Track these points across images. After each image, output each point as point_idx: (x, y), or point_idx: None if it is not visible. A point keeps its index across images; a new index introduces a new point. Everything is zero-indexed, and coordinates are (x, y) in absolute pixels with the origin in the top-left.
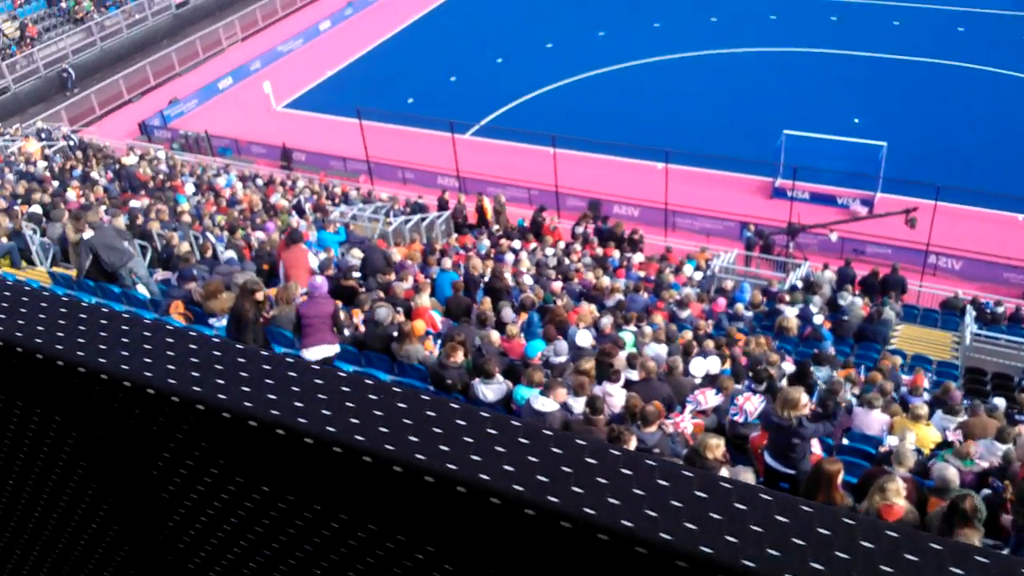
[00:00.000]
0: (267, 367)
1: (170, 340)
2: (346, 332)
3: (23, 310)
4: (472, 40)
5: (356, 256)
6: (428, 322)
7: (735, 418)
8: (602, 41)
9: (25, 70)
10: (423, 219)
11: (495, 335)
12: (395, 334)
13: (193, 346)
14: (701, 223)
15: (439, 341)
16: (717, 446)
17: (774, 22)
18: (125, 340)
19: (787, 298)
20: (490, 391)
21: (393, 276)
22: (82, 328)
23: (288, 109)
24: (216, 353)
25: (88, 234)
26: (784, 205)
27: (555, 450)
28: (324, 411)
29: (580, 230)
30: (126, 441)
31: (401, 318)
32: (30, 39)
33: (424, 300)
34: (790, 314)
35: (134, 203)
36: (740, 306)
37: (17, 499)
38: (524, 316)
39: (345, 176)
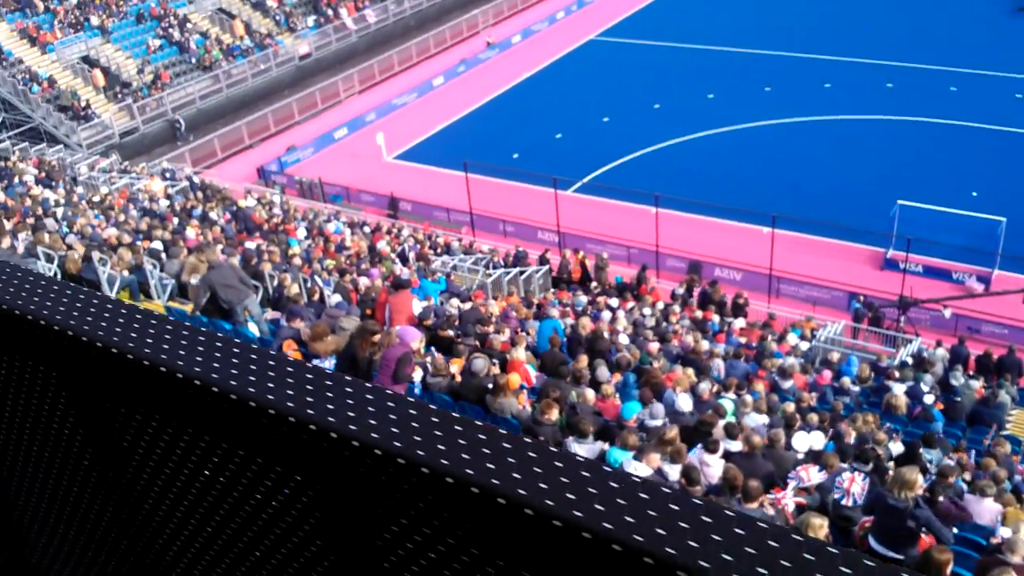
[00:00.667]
0: (482, 436)
1: (390, 403)
2: (415, 378)
3: (240, 363)
4: (579, 99)
5: (455, 306)
6: (523, 376)
7: (840, 500)
8: (711, 103)
9: (154, 112)
10: (522, 272)
11: (590, 394)
12: (490, 386)
13: (412, 411)
14: (807, 291)
15: (533, 396)
16: (820, 527)
17: (890, 90)
18: (350, 402)
19: (896, 375)
20: (583, 451)
21: (491, 328)
22: (307, 387)
23: (398, 160)
24: (434, 419)
25: (207, 271)
26: (896, 277)
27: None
28: (568, 494)
29: (680, 291)
30: (355, 500)
31: (497, 370)
32: (161, 84)
33: (520, 354)
34: (899, 392)
35: (248, 244)
36: (847, 380)
37: (248, 550)
38: (619, 376)
39: (448, 227)
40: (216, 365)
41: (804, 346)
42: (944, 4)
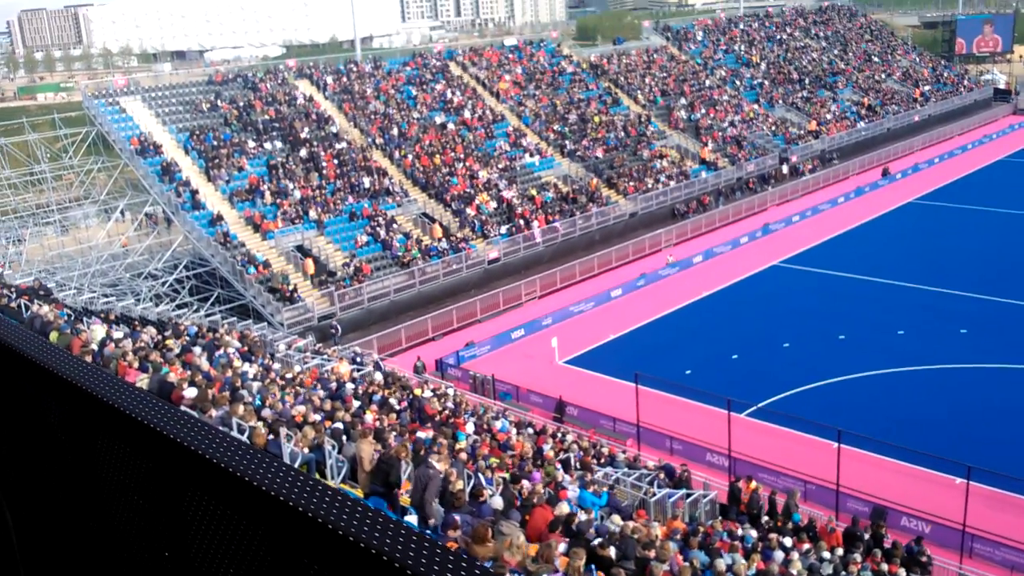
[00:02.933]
0: None
1: None
2: None
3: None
4: (759, 322)
5: (617, 523)
6: None
7: None
8: (900, 340)
9: (351, 301)
10: (688, 495)
11: None
12: None
13: None
14: (1004, 554)
15: None
16: None
17: None
18: None
19: None
20: None
21: (653, 553)
22: None
23: (569, 365)
24: None
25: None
26: None
27: None
28: None
29: (865, 536)
30: None
31: None
32: (362, 275)
33: None
34: None
35: (420, 434)
36: None
37: None
38: None
39: (613, 437)
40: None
41: None
42: None
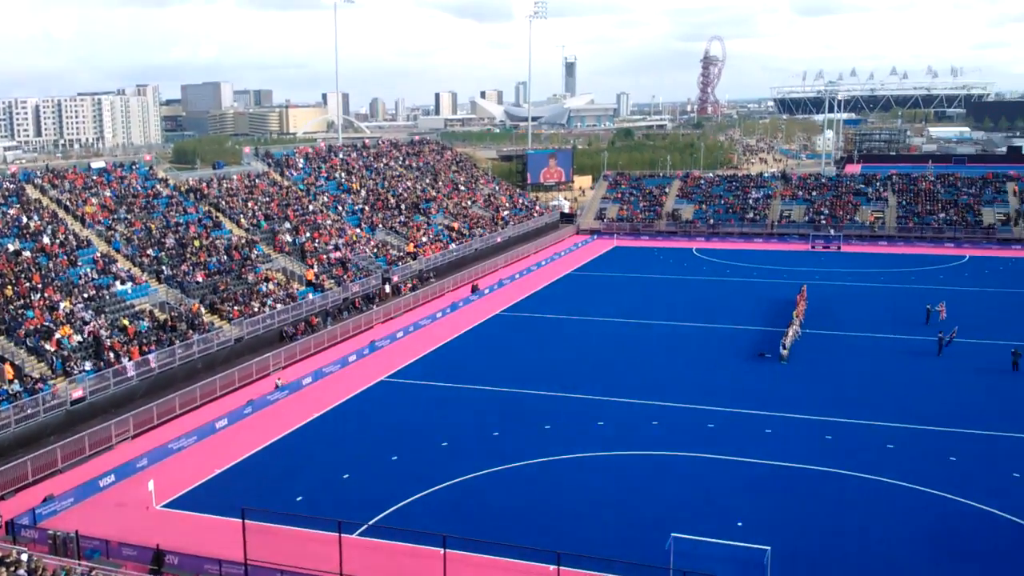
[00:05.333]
0: None
1: None
2: None
3: None
4: (369, 437)
5: None
6: None
7: None
8: (496, 440)
9: None
10: None
11: None
12: None
13: None
14: None
15: None
16: None
17: (656, 427)
18: None
19: None
20: None
21: None
22: None
23: (169, 508)
24: None
25: None
26: None
27: None
28: None
29: None
30: None
31: None
32: None
33: None
34: None
35: None
36: None
37: None
38: None
39: None
40: None
41: None
42: (701, 349)
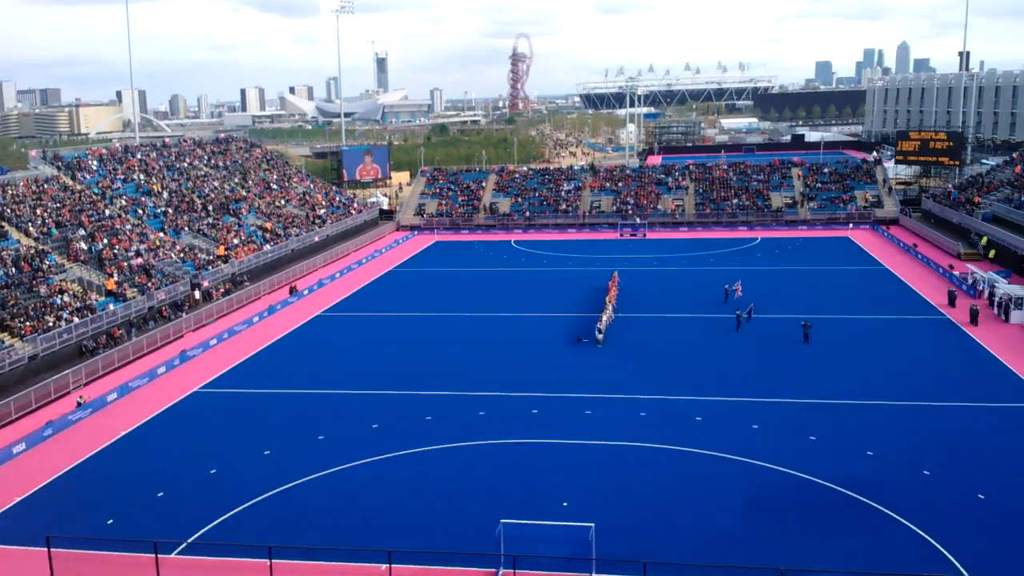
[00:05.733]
0: None
1: None
2: None
3: None
4: (185, 452)
5: None
6: None
7: None
8: (321, 444)
9: None
10: None
11: None
12: None
13: None
14: None
15: None
16: None
17: (483, 417)
18: None
19: None
20: None
21: None
22: None
23: None
24: None
25: None
26: None
27: None
28: None
29: None
30: None
31: None
32: None
33: None
34: None
35: None
36: None
37: None
38: None
39: None
40: None
41: None
42: (523, 338)
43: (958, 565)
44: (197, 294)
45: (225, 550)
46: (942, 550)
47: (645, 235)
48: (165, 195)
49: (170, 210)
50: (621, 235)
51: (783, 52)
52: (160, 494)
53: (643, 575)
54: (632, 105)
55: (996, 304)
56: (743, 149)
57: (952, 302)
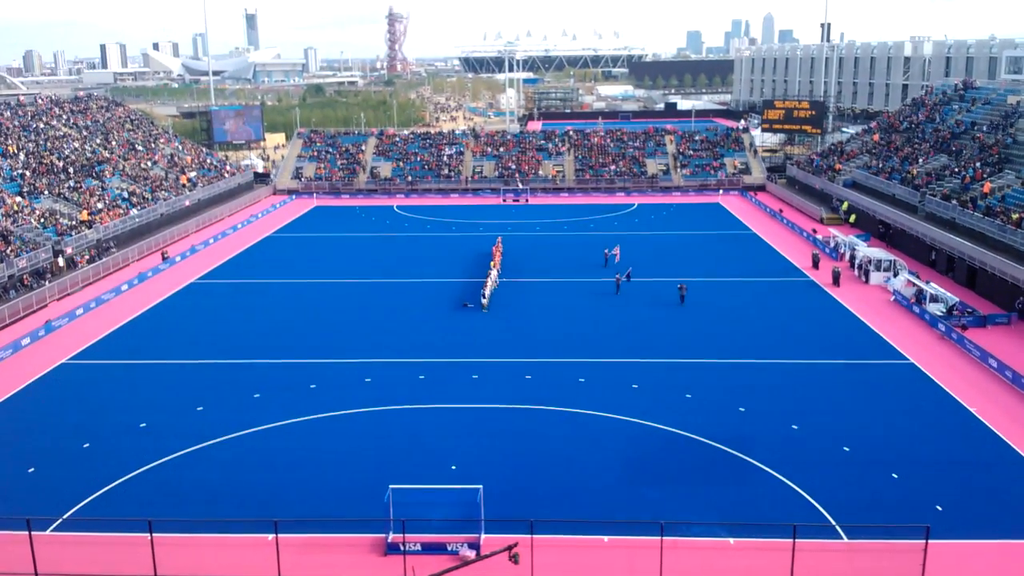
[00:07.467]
0: None
1: None
2: None
3: None
4: (55, 427)
5: None
6: None
7: None
8: (201, 415)
9: None
10: None
11: None
12: None
13: None
14: None
15: None
16: None
17: (369, 384)
18: None
19: None
20: None
21: None
22: None
23: None
24: None
25: None
26: (398, 560)
27: None
28: None
29: None
30: None
31: None
32: None
33: None
34: None
35: None
36: None
37: None
38: None
39: None
40: None
41: None
42: (407, 304)
43: (825, 512)
44: (61, 261)
45: (103, 525)
46: (810, 499)
47: (528, 200)
48: (22, 156)
49: (27, 173)
50: (504, 200)
51: (655, 20)
52: (31, 470)
53: (530, 532)
54: (511, 69)
55: (857, 266)
56: (619, 116)
57: (816, 264)
